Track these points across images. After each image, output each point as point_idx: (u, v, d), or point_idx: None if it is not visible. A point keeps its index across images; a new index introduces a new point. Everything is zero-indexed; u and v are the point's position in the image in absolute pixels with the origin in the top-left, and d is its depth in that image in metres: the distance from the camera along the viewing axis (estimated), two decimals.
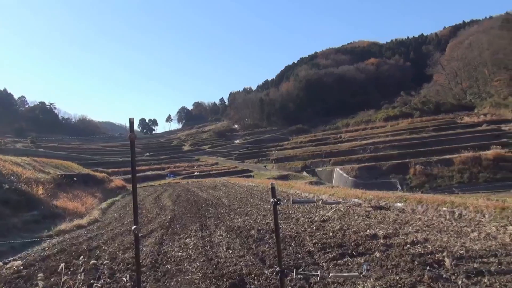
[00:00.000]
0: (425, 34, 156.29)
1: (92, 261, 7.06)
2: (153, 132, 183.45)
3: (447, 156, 47.78)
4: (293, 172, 58.21)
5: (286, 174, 54.08)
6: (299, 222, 9.63)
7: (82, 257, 6.44)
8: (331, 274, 4.70)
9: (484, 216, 7.80)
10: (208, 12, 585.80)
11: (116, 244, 9.12)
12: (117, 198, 26.13)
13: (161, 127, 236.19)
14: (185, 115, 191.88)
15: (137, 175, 56.63)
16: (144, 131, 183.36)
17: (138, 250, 2.37)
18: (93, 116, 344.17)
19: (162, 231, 10.72)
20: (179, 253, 7.60)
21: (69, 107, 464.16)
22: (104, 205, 21.33)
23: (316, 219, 9.78)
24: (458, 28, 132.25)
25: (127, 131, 2.66)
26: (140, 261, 7.10)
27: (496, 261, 5.12)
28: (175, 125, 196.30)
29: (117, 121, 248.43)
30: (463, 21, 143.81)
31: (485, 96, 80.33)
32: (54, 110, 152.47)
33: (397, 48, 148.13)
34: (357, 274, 5.04)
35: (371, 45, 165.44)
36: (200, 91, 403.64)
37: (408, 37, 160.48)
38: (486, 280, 4.49)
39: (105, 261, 7.19)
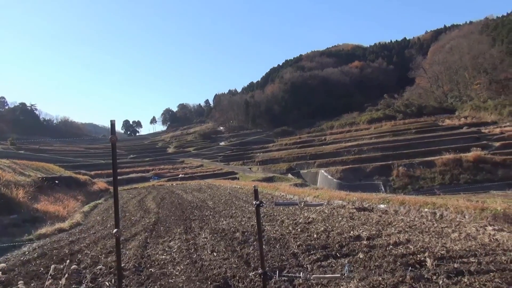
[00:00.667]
0: (407, 38, 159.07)
1: (74, 266, 6.93)
2: (137, 134, 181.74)
3: (429, 158, 48.62)
4: (278, 174, 58.35)
5: (271, 176, 54.18)
6: (283, 224, 9.65)
7: (63, 261, 6.32)
8: (313, 275, 4.72)
9: (465, 217, 7.95)
10: (193, 14, 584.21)
11: (99, 248, 8.98)
12: (100, 201, 25.75)
13: (146, 129, 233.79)
14: (169, 117, 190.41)
15: (121, 177, 56.41)
16: (128, 132, 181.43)
17: (119, 254, 2.34)
18: (76, 118, 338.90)
19: (146, 234, 10.61)
20: (163, 256, 7.53)
21: (51, 108, 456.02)
22: (86, 208, 20.98)
23: (300, 221, 9.82)
24: (440, 33, 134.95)
25: (115, 132, 2.62)
26: (123, 264, 7.03)
27: (476, 261, 5.22)
28: (159, 127, 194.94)
29: (100, 123, 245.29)
30: (444, 25, 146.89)
31: (466, 99, 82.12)
32: (35, 111, 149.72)
33: (381, 51, 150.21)
34: (339, 275, 5.09)
35: (355, 48, 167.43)
36: (185, 93, 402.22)
37: (391, 41, 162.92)
38: (466, 280, 4.57)
39: (87, 265, 7.09)
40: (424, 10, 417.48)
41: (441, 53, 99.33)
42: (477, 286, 4.40)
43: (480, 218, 7.58)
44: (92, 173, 56.18)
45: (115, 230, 2.37)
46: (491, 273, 4.72)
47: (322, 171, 53.01)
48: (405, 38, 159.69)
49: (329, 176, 50.25)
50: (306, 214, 10.74)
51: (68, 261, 7.35)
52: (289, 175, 56.98)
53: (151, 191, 32.48)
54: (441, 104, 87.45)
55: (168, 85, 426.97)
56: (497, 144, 52.04)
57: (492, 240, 6.25)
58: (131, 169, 69.87)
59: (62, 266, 6.50)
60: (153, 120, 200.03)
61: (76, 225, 14.72)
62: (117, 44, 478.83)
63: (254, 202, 2.81)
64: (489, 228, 6.93)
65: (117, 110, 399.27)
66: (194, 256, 7.26)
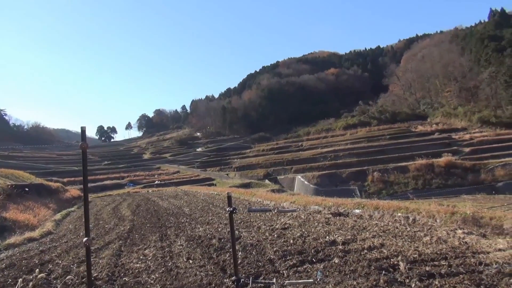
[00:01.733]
0: (381, 46, 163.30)
1: (44, 275, 6.71)
2: (112, 140, 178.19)
3: (403, 164, 49.77)
4: (256, 180, 58.40)
5: (249, 182, 54.18)
6: (260, 230, 9.64)
7: (33, 271, 6.11)
8: (286, 281, 4.74)
9: (436, 221, 8.17)
10: (170, 19, 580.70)
11: (71, 257, 8.72)
12: (72, 209, 25.05)
13: (121, 135, 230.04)
14: (145, 123, 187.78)
15: (95, 184, 55.25)
16: (103, 138, 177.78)
17: (90, 263, 2.29)
18: (48, 123, 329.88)
19: (120, 242, 10.38)
20: (138, 265, 7.38)
21: (22, 113, 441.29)
22: (58, 216, 20.36)
23: (277, 226, 9.84)
24: (412, 41, 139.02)
25: (86, 139, 2.57)
26: (96, 274, 6.86)
27: (446, 263, 5.36)
28: (135, 133, 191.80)
29: (73, 129, 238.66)
30: (416, 34, 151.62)
31: (437, 106, 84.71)
32: (4, 116, 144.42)
33: (356, 59, 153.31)
34: (312, 281, 5.13)
35: (331, 55, 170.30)
36: (161, 99, 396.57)
37: (365, 49, 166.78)
38: (437, 282, 4.68)
39: (58, 275, 6.87)
40: (397, 19, 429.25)
41: (414, 61, 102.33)
42: None
43: (451, 222, 7.80)
44: (65, 180, 54.71)
45: (85, 239, 2.31)
46: (460, 275, 4.85)
47: (299, 176, 53.41)
48: (379, 46, 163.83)
49: (306, 182, 50.67)
50: (282, 220, 10.77)
51: (38, 271, 7.12)
52: (266, 181, 57.13)
53: (126, 198, 31.88)
54: (414, 110, 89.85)
55: (144, 90, 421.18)
56: (467, 149, 53.84)
57: (462, 243, 6.43)
58: (106, 175, 68.46)
59: (31, 277, 6.28)
60: (129, 126, 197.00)
61: (47, 234, 14.25)
62: (91, 49, 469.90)
63: (227, 209, 2.81)
64: (459, 231, 7.14)
65: (91, 115, 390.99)
66: (170, 264, 7.15)
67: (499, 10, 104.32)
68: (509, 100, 62.57)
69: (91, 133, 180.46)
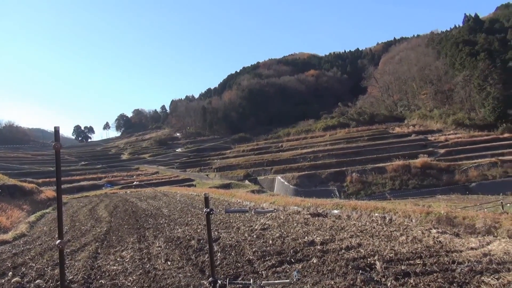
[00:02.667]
0: (360, 49, 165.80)
1: (17, 279, 6.53)
2: (89, 140, 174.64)
3: (381, 164, 50.65)
4: (236, 180, 58.30)
5: (229, 183, 54.03)
6: (239, 231, 9.64)
7: (5, 275, 5.93)
8: (263, 282, 4.75)
9: (412, 221, 8.34)
10: (149, 17, 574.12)
11: (45, 260, 8.50)
12: (47, 211, 24.39)
13: (98, 135, 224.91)
14: (124, 123, 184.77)
15: (71, 185, 54.13)
16: (79, 138, 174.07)
17: (63, 266, 2.23)
18: (22, 123, 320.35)
19: (97, 244, 10.19)
20: (115, 267, 7.26)
21: None
22: (32, 218, 19.79)
23: (256, 227, 9.85)
24: (390, 45, 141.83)
25: (62, 139, 2.51)
26: (72, 277, 6.72)
27: (421, 262, 5.47)
28: (113, 133, 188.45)
29: (49, 128, 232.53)
30: (394, 38, 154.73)
31: (414, 108, 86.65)
32: None
33: (335, 61, 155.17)
34: (288, 281, 5.17)
35: (311, 57, 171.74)
36: (140, 98, 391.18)
37: (345, 51, 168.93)
38: (412, 281, 4.78)
39: (32, 279, 6.69)
40: (375, 23, 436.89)
41: (391, 64, 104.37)
42: (422, 286, 4.61)
43: (426, 221, 7.98)
44: (40, 181, 53.22)
45: (58, 241, 2.26)
46: (434, 274, 4.97)
47: (279, 177, 53.63)
48: (358, 49, 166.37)
49: (286, 183, 50.92)
50: (262, 221, 10.78)
51: (11, 274, 6.92)
52: (247, 182, 57.12)
53: (103, 199, 31.26)
54: (392, 112, 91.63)
55: (123, 90, 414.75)
56: (442, 151, 55.27)
57: (436, 242, 6.59)
58: (82, 176, 66.98)
59: (3, 281, 6.09)
60: (107, 126, 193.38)
61: (21, 237, 13.85)
62: (68, 46, 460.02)
63: (204, 210, 2.79)
64: (434, 231, 7.31)
65: (68, 115, 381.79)
66: (148, 266, 7.07)
67: (473, 16, 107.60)
68: (482, 103, 64.54)
69: (68, 133, 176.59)
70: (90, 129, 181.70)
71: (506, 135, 57.78)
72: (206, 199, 2.96)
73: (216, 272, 6.08)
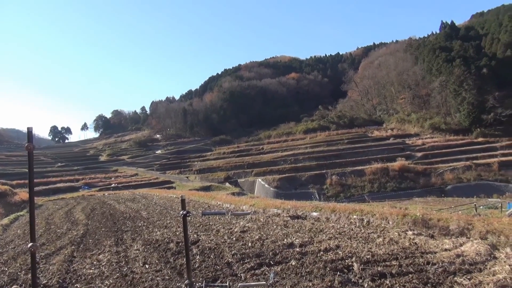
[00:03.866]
0: (340, 53, 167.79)
1: None
2: (67, 141, 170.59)
3: (360, 167, 51.41)
4: (216, 183, 58.08)
5: (209, 185, 53.78)
6: (219, 234, 9.61)
7: None
8: (239, 284, 4.75)
9: (389, 223, 8.49)
10: (129, 17, 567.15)
11: (18, 264, 8.26)
12: (21, 213, 23.71)
13: (76, 136, 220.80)
14: (102, 124, 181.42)
15: (47, 187, 52.92)
16: (56, 139, 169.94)
17: (35, 270, 2.18)
18: None
19: (73, 247, 9.96)
20: (91, 271, 7.12)
21: None
22: (5, 221, 19.21)
23: (236, 229, 9.84)
24: (369, 49, 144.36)
25: (38, 139, 2.45)
26: (46, 281, 6.56)
27: (397, 263, 5.58)
28: (91, 134, 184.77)
29: (24, 129, 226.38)
30: (374, 43, 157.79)
31: (392, 112, 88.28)
32: None
33: (316, 64, 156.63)
34: (264, 283, 5.19)
35: (292, 60, 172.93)
36: (119, 99, 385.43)
37: (326, 55, 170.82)
38: (388, 282, 4.87)
39: (4, 284, 6.50)
40: (355, 27, 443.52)
41: (371, 69, 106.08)
42: (397, 287, 4.71)
43: (402, 223, 8.14)
44: (14, 182, 51.69)
45: (30, 244, 2.20)
46: (410, 275, 5.08)
47: (260, 180, 53.72)
48: (338, 53, 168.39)
49: (266, 185, 51.04)
50: (242, 223, 10.78)
51: None
52: (227, 184, 57.00)
53: (80, 201, 30.62)
54: (371, 116, 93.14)
55: (102, 90, 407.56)
56: (419, 154, 56.48)
57: (412, 243, 6.73)
58: (59, 178, 65.44)
59: None
60: (85, 127, 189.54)
61: None
62: (44, 44, 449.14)
63: (181, 212, 2.78)
64: (410, 232, 7.47)
65: (45, 115, 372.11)
66: (125, 269, 6.96)
67: (449, 23, 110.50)
68: (458, 108, 66.26)
69: (44, 133, 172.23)
70: (68, 130, 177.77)
71: (480, 139, 59.57)
72: (183, 201, 2.94)
73: (194, 275, 6.05)
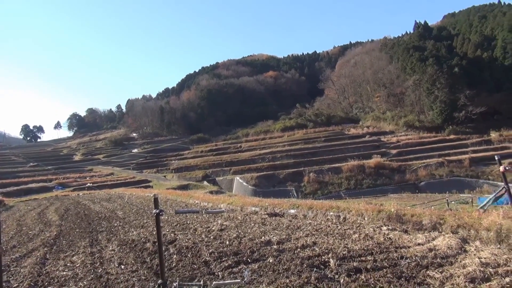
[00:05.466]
0: (318, 52, 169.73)
1: None
2: (39, 140, 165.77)
3: (337, 165, 52.07)
4: (194, 181, 57.67)
5: (187, 184, 53.38)
6: (196, 232, 9.55)
7: None
8: (213, 283, 4.74)
9: (364, 219, 8.64)
10: (103, 12, 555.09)
11: None
12: None
13: (49, 135, 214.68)
14: (77, 122, 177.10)
15: (18, 188, 51.50)
16: (28, 138, 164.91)
17: (1, 274, 2.10)
18: None
19: (45, 249, 9.70)
20: (64, 273, 6.95)
21: None
22: None
23: (214, 228, 9.80)
24: (346, 48, 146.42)
25: (8, 139, 2.35)
26: (17, 284, 6.38)
27: (372, 258, 5.69)
28: (65, 133, 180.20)
29: None
30: (350, 42, 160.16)
31: (368, 110, 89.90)
32: None
33: (293, 63, 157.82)
34: (239, 281, 5.20)
35: (270, 58, 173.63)
36: (94, 97, 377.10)
37: (303, 53, 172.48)
38: (363, 277, 4.95)
39: None
40: (332, 26, 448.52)
41: (347, 67, 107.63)
42: (372, 282, 4.79)
43: (377, 219, 8.30)
44: None
45: None
46: (384, 269, 5.18)
47: (238, 178, 53.67)
48: (315, 52, 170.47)
49: (244, 183, 51.04)
50: (219, 222, 10.75)
51: None
52: (205, 183, 56.70)
53: (54, 202, 29.81)
54: (347, 114, 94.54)
55: (76, 88, 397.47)
56: (394, 151, 57.73)
57: (386, 239, 6.87)
58: (31, 178, 63.47)
59: None
60: (58, 125, 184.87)
61: None
62: (17, 39, 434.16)
63: (153, 211, 2.75)
64: (384, 228, 7.62)
65: (16, 113, 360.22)
66: (100, 270, 6.83)
67: (422, 23, 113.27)
68: (431, 106, 68.07)
69: (15, 132, 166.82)
70: (40, 129, 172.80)
71: (452, 136, 61.51)
72: (156, 200, 2.91)
73: (171, 274, 6.00)
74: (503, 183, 3.77)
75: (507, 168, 3.67)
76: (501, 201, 9.88)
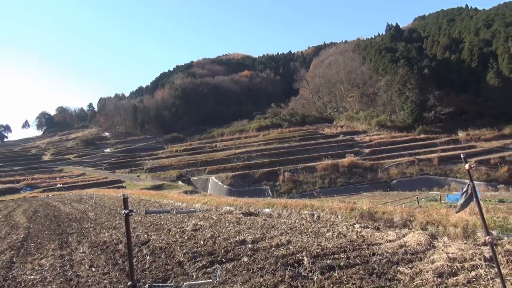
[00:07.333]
0: (292, 52, 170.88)
1: None
2: (6, 140, 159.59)
3: (311, 164, 52.67)
4: (168, 181, 57.04)
5: (161, 184, 52.74)
6: (170, 233, 9.44)
7: None
8: (185, 283, 4.70)
9: (338, 217, 8.77)
10: (74, 9, 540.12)
11: None
12: None
13: (16, 134, 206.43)
14: (46, 121, 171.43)
15: None
16: None
17: None
18: None
19: (12, 252, 9.35)
20: (32, 276, 6.72)
21: None
22: None
23: (188, 228, 9.71)
24: (320, 49, 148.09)
25: None
26: None
27: (345, 256, 5.78)
28: (34, 132, 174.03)
29: None
30: (324, 42, 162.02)
31: (342, 110, 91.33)
32: None
33: (268, 62, 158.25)
34: (211, 281, 5.19)
35: (245, 58, 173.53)
36: (64, 95, 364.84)
37: (278, 53, 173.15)
38: (336, 274, 5.03)
39: None
40: (307, 26, 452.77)
41: (321, 67, 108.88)
42: (345, 279, 4.88)
43: (350, 217, 8.44)
44: None
45: None
46: (357, 266, 5.28)
47: (213, 177, 53.44)
48: (290, 52, 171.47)
49: (220, 183, 50.87)
50: (194, 221, 10.67)
51: None
52: (180, 183, 56.18)
53: (21, 203, 28.81)
54: (322, 114, 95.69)
55: (46, 85, 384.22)
56: (367, 150, 58.89)
57: (359, 236, 7.00)
58: None
59: None
60: (26, 124, 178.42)
61: None
62: None
63: (123, 212, 2.69)
64: (357, 226, 7.76)
65: None
66: (70, 273, 6.64)
67: (394, 25, 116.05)
68: (402, 106, 69.89)
69: None
70: (7, 128, 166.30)
71: (422, 136, 63.40)
72: (125, 200, 2.85)
73: (144, 276, 5.91)
74: (469, 181, 3.92)
75: (472, 166, 3.78)
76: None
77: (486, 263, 4.94)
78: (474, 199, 4.01)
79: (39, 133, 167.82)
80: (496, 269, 4.01)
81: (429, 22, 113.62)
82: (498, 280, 4.19)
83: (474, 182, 3.94)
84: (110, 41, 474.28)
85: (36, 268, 7.39)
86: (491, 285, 4.36)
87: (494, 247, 4.20)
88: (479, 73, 70.49)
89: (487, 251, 5.23)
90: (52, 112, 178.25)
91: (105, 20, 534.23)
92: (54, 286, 5.96)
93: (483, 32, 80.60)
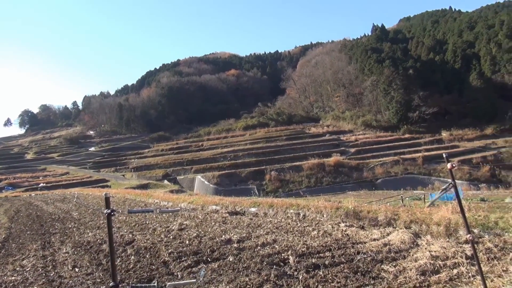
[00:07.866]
0: (279, 51, 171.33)
1: None
2: None
3: (298, 163, 52.90)
4: (154, 181, 56.60)
5: (146, 183, 52.28)
6: (155, 232, 9.35)
7: None
8: (168, 284, 4.67)
9: (323, 216, 8.80)
10: (62, 6, 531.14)
11: None
12: None
13: None
14: (29, 119, 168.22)
15: None
16: None
17: None
18: None
19: None
20: (13, 278, 6.58)
21: None
22: None
23: (173, 227, 9.64)
24: (307, 48, 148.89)
25: None
26: None
27: (330, 255, 5.81)
28: (16, 130, 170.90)
29: None
30: (311, 42, 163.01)
31: (328, 110, 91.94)
32: None
33: (256, 62, 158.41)
34: (194, 281, 5.16)
35: (232, 57, 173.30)
36: (48, 92, 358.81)
37: (265, 52, 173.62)
38: (321, 273, 5.05)
39: None
40: (294, 26, 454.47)
41: (308, 67, 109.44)
42: (330, 277, 4.90)
43: (336, 216, 8.48)
44: None
45: None
46: (342, 265, 5.31)
47: (199, 176, 53.22)
48: (277, 51, 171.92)
49: (206, 182, 50.69)
50: (179, 221, 10.60)
51: None
52: (166, 182, 55.81)
53: (3, 203, 28.23)
54: (308, 113, 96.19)
55: (28, 82, 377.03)
56: (352, 150, 59.42)
57: (344, 235, 7.05)
58: None
59: None
60: (8, 122, 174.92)
61: None
62: None
63: (105, 211, 2.65)
64: (342, 224, 7.80)
65: None
66: (52, 274, 6.52)
67: (380, 26, 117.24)
68: (387, 106, 70.70)
69: None
70: None
71: (406, 135, 64.28)
72: (107, 200, 2.80)
73: (129, 276, 5.85)
74: (450, 180, 3.97)
75: (454, 165, 3.84)
76: (450, 197, 10.42)
77: (468, 260, 5.02)
78: (455, 198, 4.08)
79: (22, 131, 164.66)
80: (477, 267, 4.08)
81: (414, 24, 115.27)
82: (478, 277, 4.27)
83: (457, 181, 4.00)
84: (96, 38, 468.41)
85: (18, 269, 7.25)
86: (472, 282, 4.43)
87: (475, 245, 4.28)
88: (462, 74, 71.76)
89: (468, 249, 5.31)
90: (35, 110, 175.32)
91: (90, 16, 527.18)
92: (35, 287, 5.86)
93: (466, 34, 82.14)
